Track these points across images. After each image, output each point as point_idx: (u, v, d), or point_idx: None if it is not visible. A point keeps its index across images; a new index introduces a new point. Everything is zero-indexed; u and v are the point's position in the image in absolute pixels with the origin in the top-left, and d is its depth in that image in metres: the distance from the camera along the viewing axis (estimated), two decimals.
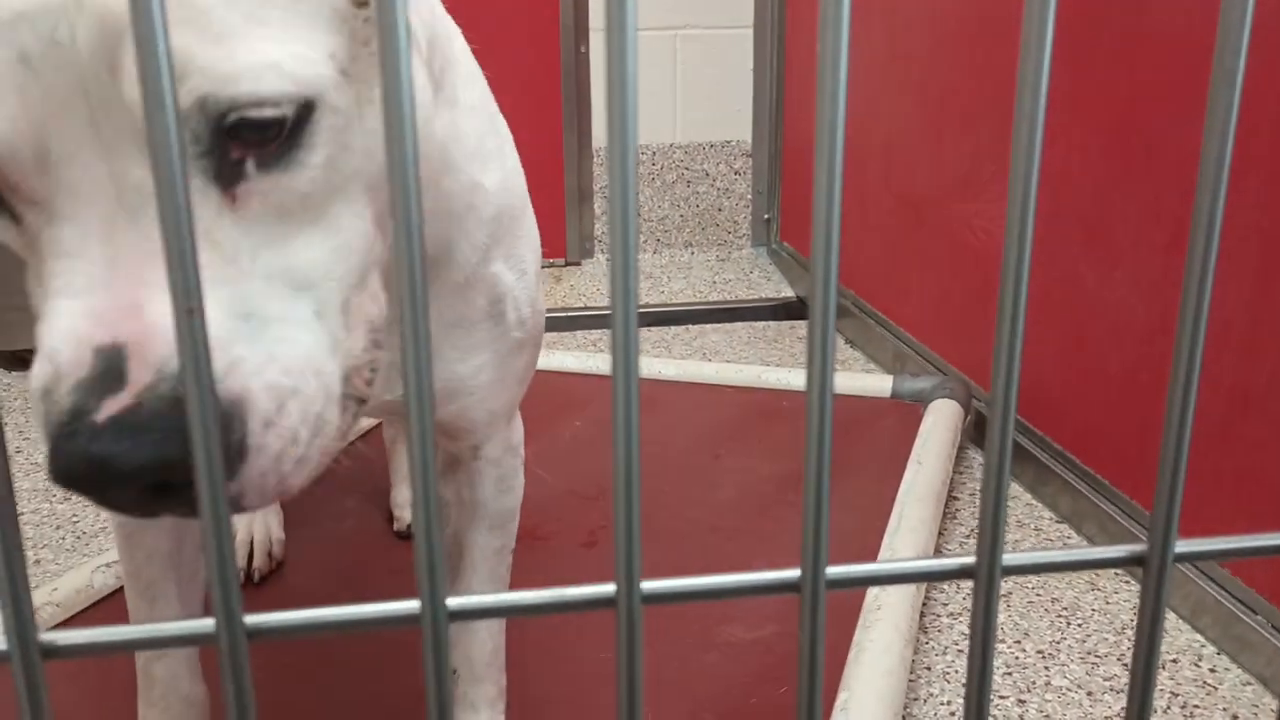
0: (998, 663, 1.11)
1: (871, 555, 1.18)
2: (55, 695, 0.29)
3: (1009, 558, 0.32)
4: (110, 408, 0.41)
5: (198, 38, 0.42)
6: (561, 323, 2.18)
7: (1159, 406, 1.20)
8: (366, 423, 1.46)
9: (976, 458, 1.56)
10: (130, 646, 0.29)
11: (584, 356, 1.75)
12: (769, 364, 1.90)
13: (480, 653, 0.84)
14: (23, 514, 1.36)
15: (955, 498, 1.45)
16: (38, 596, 1.08)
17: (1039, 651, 1.12)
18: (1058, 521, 1.38)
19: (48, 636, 0.28)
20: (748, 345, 2.09)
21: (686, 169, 2.58)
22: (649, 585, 0.30)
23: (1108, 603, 1.20)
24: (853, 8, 0.26)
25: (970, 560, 0.31)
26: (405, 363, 0.27)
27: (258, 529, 1.19)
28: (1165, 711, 1.03)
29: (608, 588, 0.29)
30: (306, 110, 0.45)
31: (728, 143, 2.58)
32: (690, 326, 2.21)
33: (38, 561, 1.29)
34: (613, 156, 0.26)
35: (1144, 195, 1.23)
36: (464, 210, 0.65)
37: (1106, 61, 1.27)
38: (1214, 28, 0.28)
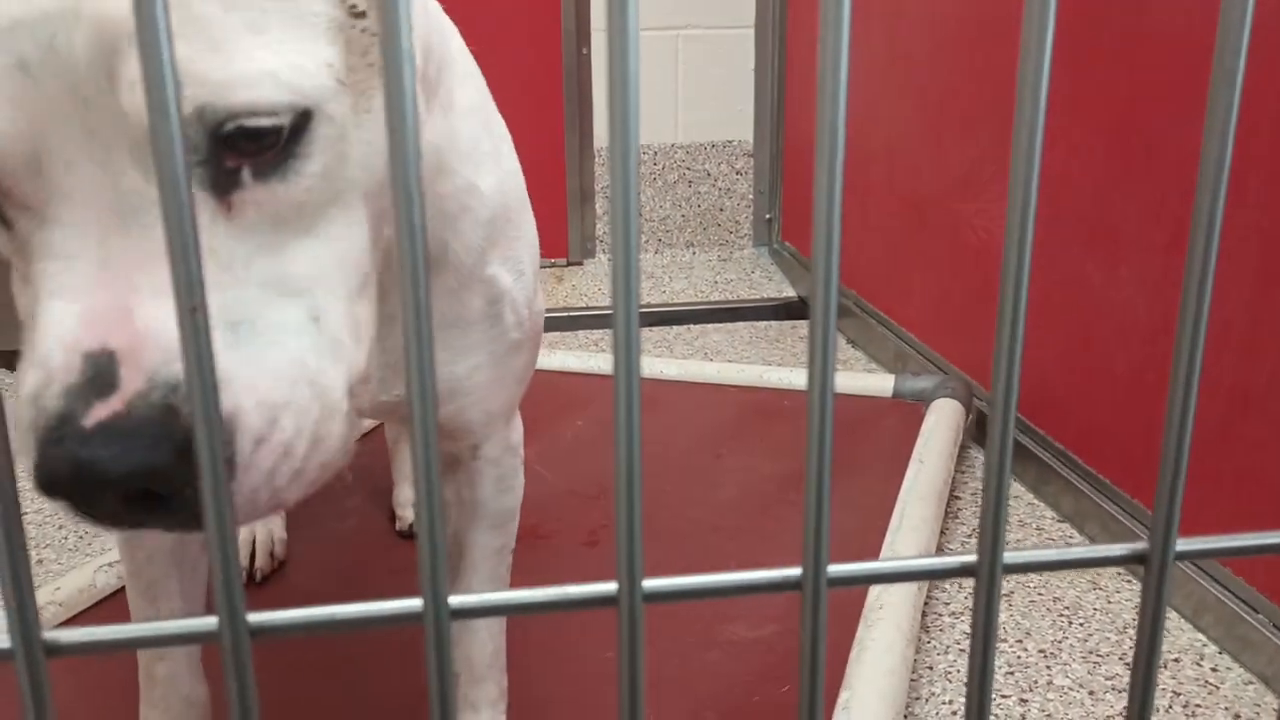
0: (1000, 662, 1.11)
1: (873, 554, 1.18)
2: (58, 693, 0.29)
3: (1010, 556, 0.32)
4: (99, 413, 0.41)
5: (195, 46, 0.42)
6: (563, 322, 2.18)
7: (1161, 406, 1.20)
8: (367, 423, 1.46)
9: (978, 457, 1.56)
10: (133, 644, 0.29)
11: (586, 356, 1.75)
12: (771, 364, 1.90)
13: (481, 653, 0.84)
14: (26, 513, 1.36)
15: (957, 497, 1.45)
16: (41, 596, 1.08)
17: (1041, 651, 1.12)
18: (1059, 521, 1.38)
19: (51, 634, 0.28)
20: (749, 345, 2.09)
21: (688, 169, 2.58)
22: (651, 583, 0.30)
23: (1109, 602, 1.20)
24: (854, 8, 0.26)
25: (972, 558, 0.31)
26: (408, 363, 0.27)
27: (260, 529, 1.19)
28: (1167, 711, 1.03)
29: (609, 586, 0.30)
30: (303, 120, 0.45)
31: (729, 143, 2.58)
32: (692, 326, 2.21)
33: (40, 561, 1.30)
34: (614, 156, 0.26)
35: (1144, 195, 1.23)
36: (458, 213, 0.65)
37: (1106, 62, 1.27)
38: (1214, 28, 0.28)
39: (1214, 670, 1.09)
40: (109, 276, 0.43)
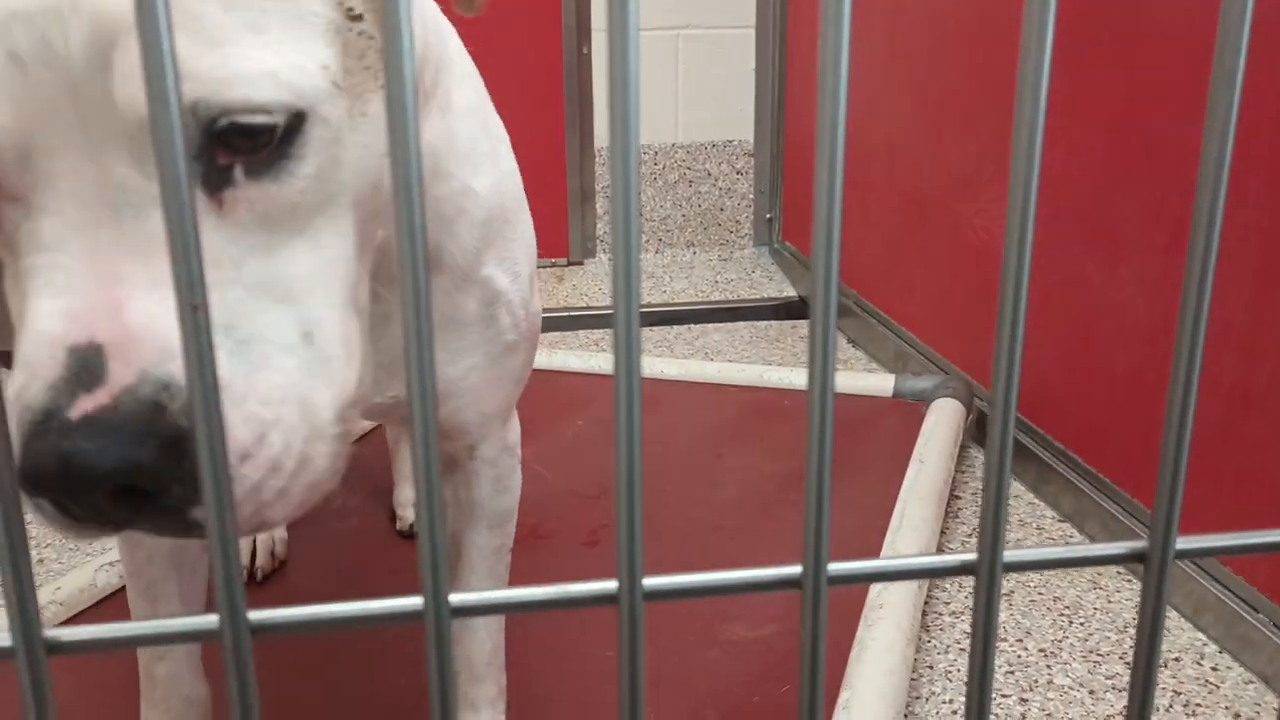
0: (1000, 661, 1.11)
1: (874, 554, 1.18)
2: (59, 692, 0.29)
3: (1010, 554, 0.32)
4: (84, 405, 0.40)
5: (192, 43, 0.42)
6: (564, 322, 2.18)
7: (1161, 406, 1.20)
8: (367, 424, 1.46)
9: (979, 457, 1.56)
10: (134, 643, 0.29)
11: (586, 356, 1.75)
12: (771, 363, 1.90)
13: (480, 652, 0.84)
14: (28, 512, 1.36)
15: (957, 497, 1.45)
16: (41, 595, 1.08)
17: (1041, 650, 1.12)
18: (1060, 521, 1.38)
19: (52, 633, 0.28)
20: (750, 345, 2.09)
21: (688, 169, 2.58)
22: (651, 581, 0.30)
23: (1110, 601, 1.20)
24: (854, 8, 0.26)
25: (972, 557, 0.32)
26: (407, 363, 0.27)
27: None
28: (1168, 710, 1.03)
29: (610, 584, 0.30)
30: (297, 120, 0.45)
31: (730, 142, 2.58)
32: (692, 326, 2.21)
33: (41, 560, 1.30)
34: (615, 156, 0.26)
35: (1144, 195, 1.23)
36: (454, 214, 0.64)
37: (1106, 61, 1.27)
38: (1214, 27, 0.28)
39: (1214, 669, 1.09)
40: (99, 270, 0.42)
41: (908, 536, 1.19)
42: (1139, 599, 0.32)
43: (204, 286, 0.26)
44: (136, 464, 0.40)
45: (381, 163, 0.50)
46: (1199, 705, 1.04)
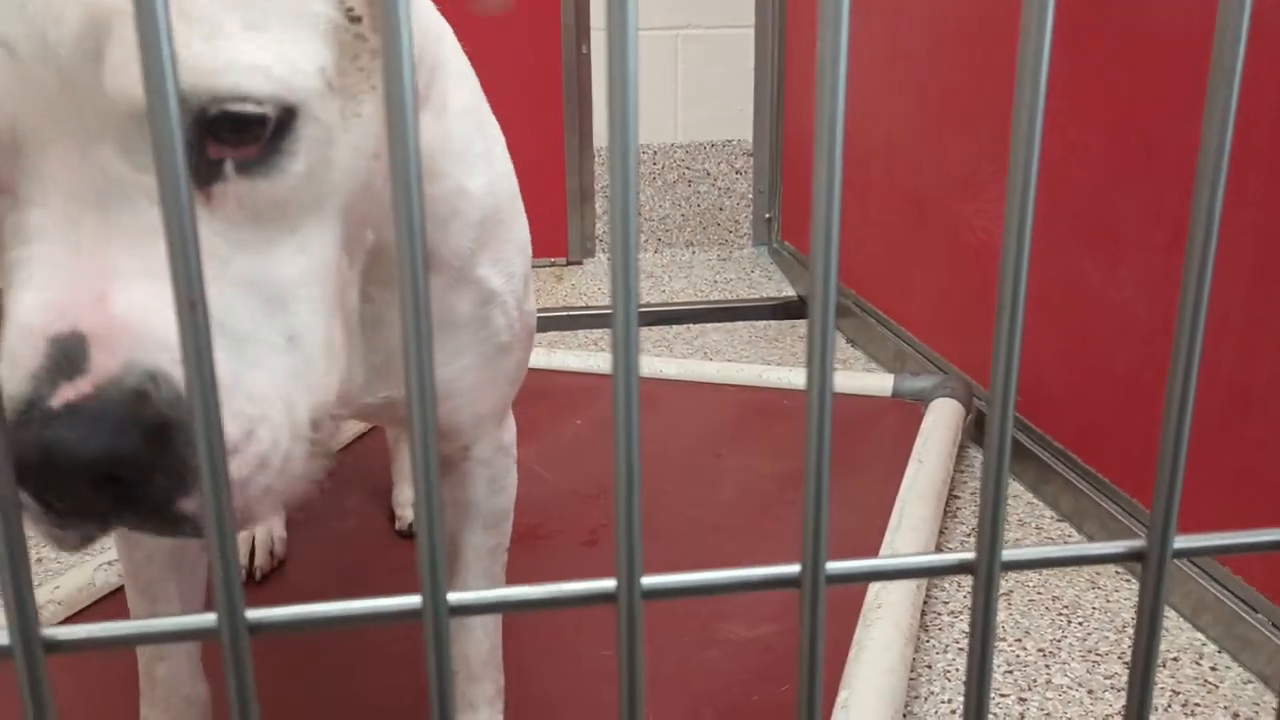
0: (998, 661, 1.11)
1: (872, 553, 1.18)
2: (58, 692, 0.29)
3: (1009, 553, 0.32)
4: (66, 394, 0.40)
5: (187, 34, 0.42)
6: (563, 322, 2.18)
7: (1159, 405, 1.20)
8: (361, 425, 1.46)
9: (977, 456, 1.56)
10: (132, 641, 0.29)
11: (585, 355, 1.75)
12: (770, 363, 1.90)
13: (477, 651, 0.84)
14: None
15: (956, 496, 1.45)
16: (40, 594, 1.08)
17: (1040, 650, 1.12)
18: (1058, 520, 1.38)
19: (50, 631, 0.28)
20: (749, 344, 2.09)
21: (688, 168, 2.58)
22: (650, 580, 0.30)
23: (1108, 601, 1.20)
24: (853, 7, 0.26)
25: (970, 556, 0.32)
26: (406, 363, 0.27)
27: (259, 527, 1.19)
28: (1166, 710, 1.03)
29: (608, 583, 0.30)
30: (289, 116, 0.45)
31: (729, 142, 2.58)
32: (691, 325, 2.21)
33: (40, 560, 1.30)
34: (614, 156, 0.26)
35: (1144, 194, 1.23)
36: (448, 215, 0.64)
37: (1106, 60, 1.27)
38: (1212, 26, 0.28)
39: (1213, 669, 1.09)
40: (84, 260, 0.42)
41: (906, 536, 1.19)
42: (1137, 598, 0.32)
43: (202, 282, 0.26)
44: (118, 452, 0.40)
45: (372, 164, 0.50)
46: (1198, 705, 1.04)
